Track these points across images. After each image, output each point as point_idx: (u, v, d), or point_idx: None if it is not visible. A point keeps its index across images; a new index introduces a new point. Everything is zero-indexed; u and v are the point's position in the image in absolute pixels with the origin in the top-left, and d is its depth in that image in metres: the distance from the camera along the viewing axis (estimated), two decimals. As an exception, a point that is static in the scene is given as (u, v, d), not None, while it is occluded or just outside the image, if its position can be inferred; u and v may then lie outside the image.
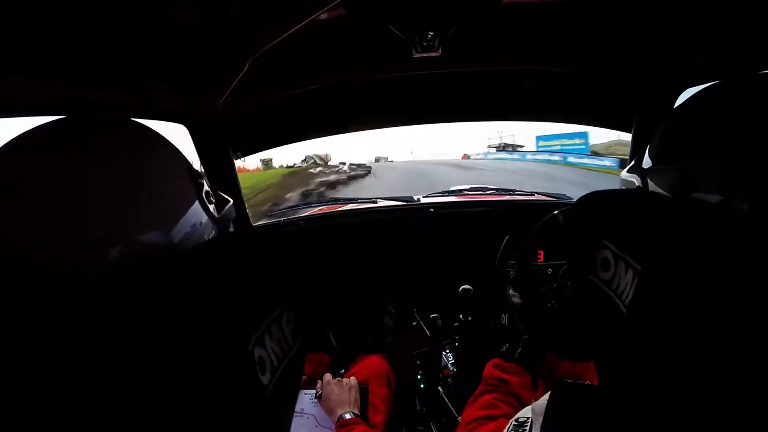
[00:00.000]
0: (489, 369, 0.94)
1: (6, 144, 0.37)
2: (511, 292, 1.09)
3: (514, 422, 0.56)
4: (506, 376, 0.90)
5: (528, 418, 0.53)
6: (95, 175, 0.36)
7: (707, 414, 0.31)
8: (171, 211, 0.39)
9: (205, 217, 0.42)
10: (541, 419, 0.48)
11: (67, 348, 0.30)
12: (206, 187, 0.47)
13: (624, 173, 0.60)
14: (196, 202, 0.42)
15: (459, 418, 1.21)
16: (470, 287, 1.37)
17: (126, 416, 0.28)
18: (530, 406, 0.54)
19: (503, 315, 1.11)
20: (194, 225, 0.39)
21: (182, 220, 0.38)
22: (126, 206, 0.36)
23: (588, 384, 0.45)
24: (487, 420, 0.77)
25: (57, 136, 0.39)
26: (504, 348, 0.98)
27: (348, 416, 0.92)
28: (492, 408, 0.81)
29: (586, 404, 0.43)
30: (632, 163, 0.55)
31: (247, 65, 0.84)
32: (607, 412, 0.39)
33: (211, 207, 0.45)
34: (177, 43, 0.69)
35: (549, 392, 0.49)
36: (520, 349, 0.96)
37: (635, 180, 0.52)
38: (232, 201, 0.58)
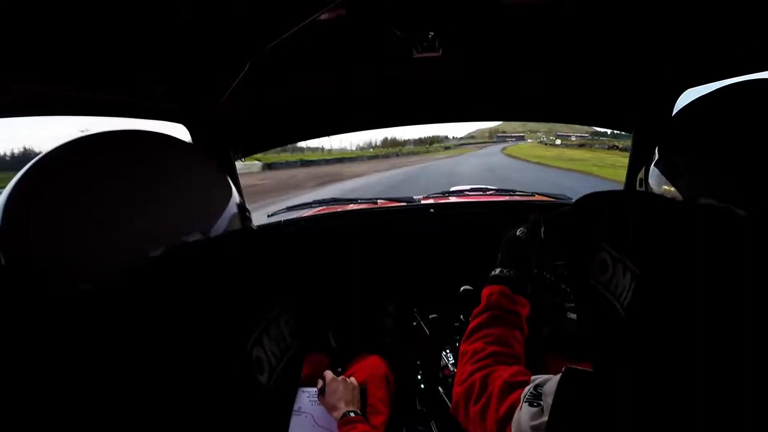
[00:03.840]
0: (495, 296, 0.80)
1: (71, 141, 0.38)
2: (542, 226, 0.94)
3: (532, 390, 0.53)
4: (517, 309, 0.79)
5: (542, 392, 0.51)
6: (130, 181, 0.36)
7: (704, 415, 0.31)
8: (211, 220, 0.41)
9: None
10: (549, 400, 0.47)
11: (68, 346, 0.30)
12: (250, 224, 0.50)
13: (642, 173, 0.58)
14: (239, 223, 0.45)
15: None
16: (471, 287, 1.37)
17: (122, 416, 0.28)
18: (544, 380, 0.52)
19: (524, 229, 0.94)
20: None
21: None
22: (164, 212, 0.37)
23: (594, 372, 0.45)
24: (503, 359, 0.69)
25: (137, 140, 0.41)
26: (508, 273, 0.84)
27: (353, 414, 0.92)
28: (506, 346, 0.72)
29: (592, 393, 0.43)
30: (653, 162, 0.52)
31: (247, 65, 0.84)
32: (611, 404, 0.39)
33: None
34: (177, 43, 0.69)
35: (559, 375, 0.48)
36: (529, 286, 0.84)
37: (654, 181, 0.50)
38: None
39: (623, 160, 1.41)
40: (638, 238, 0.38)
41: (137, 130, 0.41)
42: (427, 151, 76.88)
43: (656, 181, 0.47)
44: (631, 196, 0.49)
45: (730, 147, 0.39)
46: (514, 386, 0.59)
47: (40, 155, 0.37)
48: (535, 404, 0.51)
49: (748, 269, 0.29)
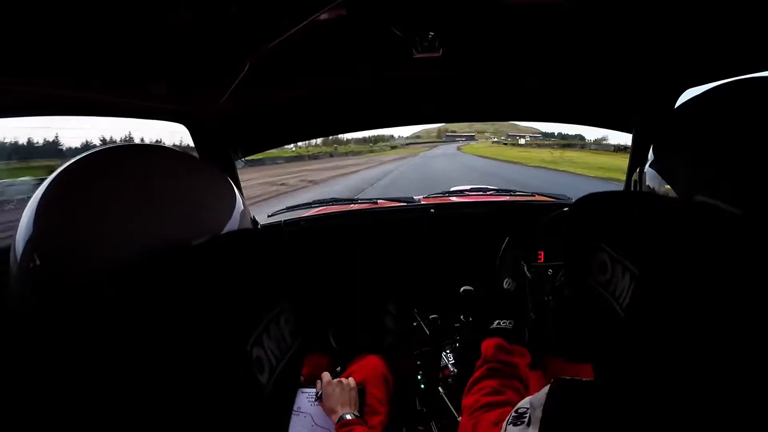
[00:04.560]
0: (492, 349, 0.84)
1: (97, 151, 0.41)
2: (523, 264, 0.97)
3: (514, 413, 0.55)
4: (513, 359, 0.81)
5: (527, 408, 0.53)
6: (149, 190, 0.38)
7: (704, 417, 0.31)
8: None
9: None
10: (538, 412, 0.48)
11: (68, 345, 0.30)
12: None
13: (637, 174, 0.58)
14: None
15: (459, 418, 1.20)
16: (471, 288, 1.37)
17: (123, 415, 0.28)
18: (528, 398, 0.54)
19: (509, 280, 0.96)
20: None
21: None
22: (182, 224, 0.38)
23: (584, 380, 0.45)
24: (494, 407, 0.72)
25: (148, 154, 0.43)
26: (506, 324, 0.87)
27: (349, 416, 0.92)
28: (499, 395, 0.75)
29: (583, 400, 0.43)
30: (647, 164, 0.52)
31: (247, 65, 0.84)
32: (603, 410, 0.39)
33: None
34: (177, 43, 0.69)
35: (547, 386, 0.49)
36: (527, 333, 0.87)
37: (650, 180, 0.50)
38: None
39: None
40: (637, 239, 0.38)
41: (152, 145, 0.44)
42: (371, 151, 64.30)
43: (652, 181, 0.47)
44: (631, 196, 0.49)
45: (725, 144, 0.39)
46: (498, 422, 0.61)
47: (66, 164, 0.39)
48: (519, 423, 0.52)
49: (748, 269, 0.29)
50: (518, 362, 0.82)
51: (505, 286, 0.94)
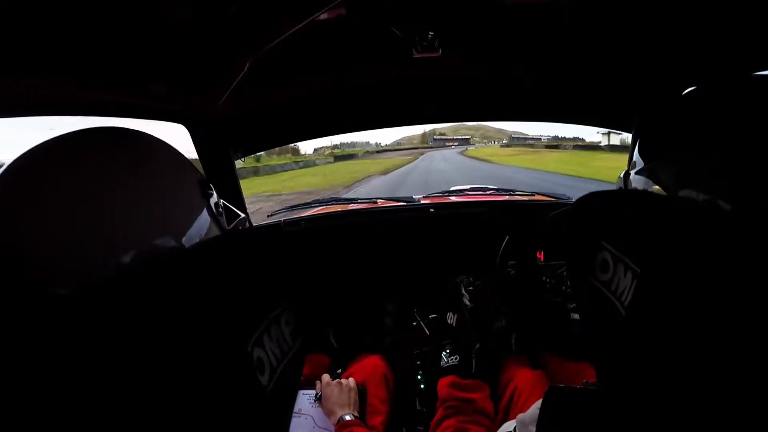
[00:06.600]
0: (446, 389, 0.85)
1: (27, 152, 0.38)
2: (463, 291, 1.03)
3: None
4: (468, 395, 0.81)
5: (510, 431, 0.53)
6: (104, 183, 0.36)
7: (705, 416, 0.31)
8: (181, 219, 0.40)
9: (213, 227, 0.43)
10: (531, 428, 0.48)
11: (62, 350, 0.29)
12: (215, 198, 0.48)
13: (633, 174, 0.58)
14: (205, 211, 0.43)
15: None
16: (472, 287, 1.37)
17: (123, 415, 0.28)
18: (513, 420, 0.54)
19: (450, 314, 1.03)
20: (203, 233, 0.41)
21: (192, 229, 0.40)
22: (136, 213, 0.37)
23: (579, 387, 0.45)
24: None
25: (75, 146, 0.40)
26: (452, 361, 0.88)
27: (348, 417, 0.92)
28: None
29: (579, 408, 0.43)
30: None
31: (247, 65, 0.84)
32: (601, 414, 0.39)
33: (221, 218, 0.46)
34: (177, 44, 0.69)
35: (539, 401, 0.49)
36: (474, 361, 0.88)
37: (642, 181, 0.50)
38: (243, 215, 0.58)
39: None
40: (639, 237, 0.37)
41: (102, 128, 0.41)
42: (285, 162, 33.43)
43: (642, 183, 0.47)
44: (632, 194, 0.49)
45: (724, 143, 0.39)
46: None
47: (12, 161, 0.37)
48: None
49: (748, 267, 0.29)
50: (475, 397, 0.81)
51: (448, 321, 0.97)
